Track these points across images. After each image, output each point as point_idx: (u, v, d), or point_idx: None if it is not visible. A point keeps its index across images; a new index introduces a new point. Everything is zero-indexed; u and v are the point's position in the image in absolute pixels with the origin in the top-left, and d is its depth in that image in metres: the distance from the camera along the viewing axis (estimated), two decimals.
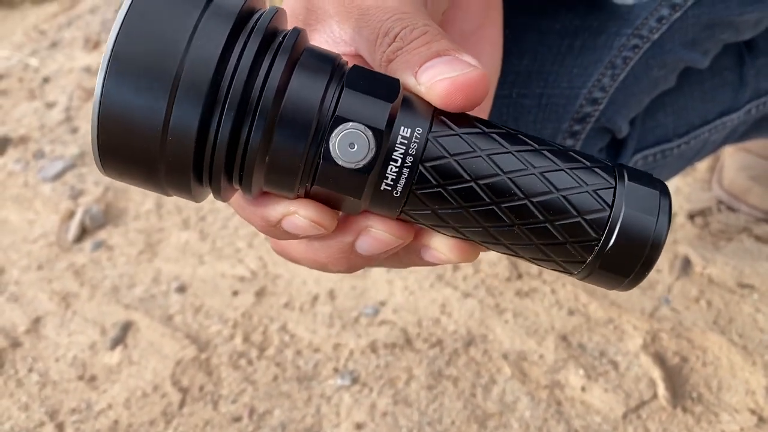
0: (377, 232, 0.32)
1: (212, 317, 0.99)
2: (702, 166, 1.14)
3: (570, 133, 0.55)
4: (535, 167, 0.30)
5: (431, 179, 0.30)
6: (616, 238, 0.30)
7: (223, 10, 0.28)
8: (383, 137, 0.29)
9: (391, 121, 0.29)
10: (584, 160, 0.31)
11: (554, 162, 0.30)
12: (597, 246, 0.30)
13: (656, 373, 0.85)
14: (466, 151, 0.30)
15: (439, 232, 0.33)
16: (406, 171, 0.29)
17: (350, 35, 0.35)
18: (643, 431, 0.80)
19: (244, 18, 0.29)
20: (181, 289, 1.04)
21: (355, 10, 0.34)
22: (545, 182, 0.30)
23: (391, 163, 0.29)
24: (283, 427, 0.84)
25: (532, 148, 0.30)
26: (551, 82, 0.54)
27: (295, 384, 0.89)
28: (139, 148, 0.28)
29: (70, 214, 1.22)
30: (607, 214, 0.30)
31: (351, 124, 0.29)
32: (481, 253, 0.34)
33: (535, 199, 0.30)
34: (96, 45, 1.69)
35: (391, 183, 0.30)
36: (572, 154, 0.31)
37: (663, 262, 0.99)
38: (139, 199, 1.22)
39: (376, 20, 0.33)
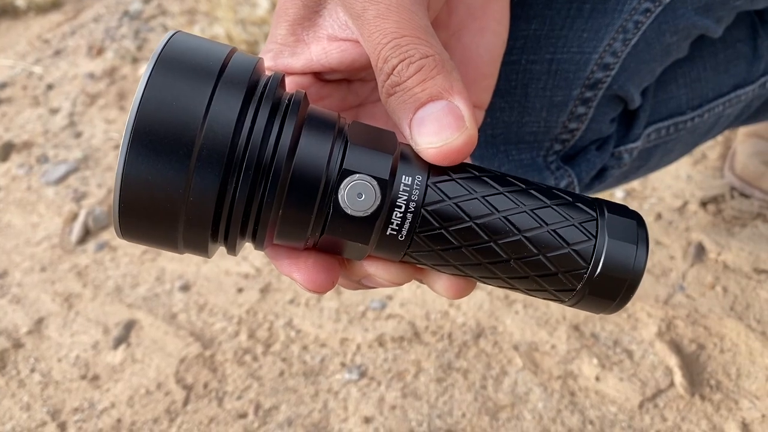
0: (380, 279, 0.36)
1: (216, 315, 0.97)
2: (713, 153, 1.12)
3: (582, 100, 0.54)
4: (525, 205, 0.33)
5: (433, 222, 0.32)
6: (602, 265, 0.32)
7: (234, 80, 0.31)
8: (387, 186, 0.31)
9: (393, 171, 0.32)
10: (567, 197, 0.34)
11: (541, 200, 0.33)
12: (586, 274, 0.33)
13: (673, 361, 0.82)
14: (462, 194, 0.32)
15: (439, 270, 0.35)
16: (409, 216, 0.32)
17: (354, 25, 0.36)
18: (660, 420, 0.78)
19: (253, 85, 0.32)
20: (185, 287, 1.03)
21: (356, 16, 0.35)
22: (536, 218, 0.33)
23: (395, 209, 0.32)
24: (290, 422, 0.82)
25: (520, 188, 0.33)
26: (561, 47, 0.52)
27: (301, 379, 0.87)
28: (160, 211, 0.30)
29: (74, 217, 1.20)
30: (593, 243, 0.33)
31: (358, 175, 0.31)
32: None
33: (527, 234, 0.33)
34: (99, 52, 1.69)
35: (396, 228, 0.32)
36: (556, 191, 0.34)
37: (677, 249, 0.97)
38: None
39: (376, 41, 0.34)
